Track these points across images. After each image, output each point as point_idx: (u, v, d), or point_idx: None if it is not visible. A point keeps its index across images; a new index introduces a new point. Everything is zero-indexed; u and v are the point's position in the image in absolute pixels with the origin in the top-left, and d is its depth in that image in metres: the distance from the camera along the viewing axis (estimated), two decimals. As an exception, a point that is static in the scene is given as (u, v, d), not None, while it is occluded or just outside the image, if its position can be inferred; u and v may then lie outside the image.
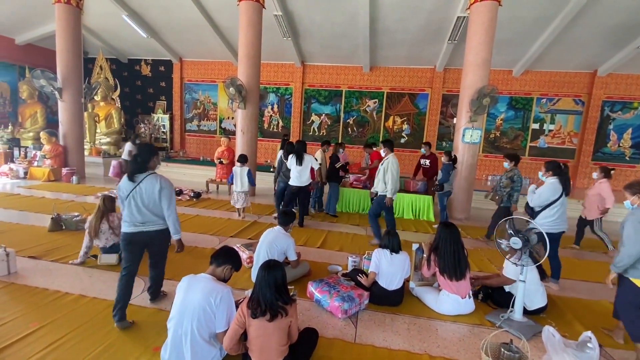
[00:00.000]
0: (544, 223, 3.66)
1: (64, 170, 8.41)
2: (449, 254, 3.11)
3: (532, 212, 4.00)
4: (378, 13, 8.65)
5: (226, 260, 2.32)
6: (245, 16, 7.32)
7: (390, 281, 3.21)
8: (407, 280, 3.45)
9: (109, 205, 3.88)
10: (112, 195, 4.09)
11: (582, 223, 5.43)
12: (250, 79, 7.52)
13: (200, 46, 11.62)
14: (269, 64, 11.92)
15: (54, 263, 3.72)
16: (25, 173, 8.52)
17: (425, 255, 3.40)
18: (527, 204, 4.04)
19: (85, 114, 9.65)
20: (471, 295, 3.20)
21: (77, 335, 2.50)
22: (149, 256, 2.89)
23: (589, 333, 2.33)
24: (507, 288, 3.29)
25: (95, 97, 10.56)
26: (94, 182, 8.64)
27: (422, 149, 7.52)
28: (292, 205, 5.83)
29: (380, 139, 11.77)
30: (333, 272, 3.86)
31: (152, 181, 2.61)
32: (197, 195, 7.27)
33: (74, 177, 8.34)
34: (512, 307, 3.02)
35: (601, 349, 2.69)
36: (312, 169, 5.54)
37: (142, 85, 13.47)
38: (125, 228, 2.67)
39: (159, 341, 2.37)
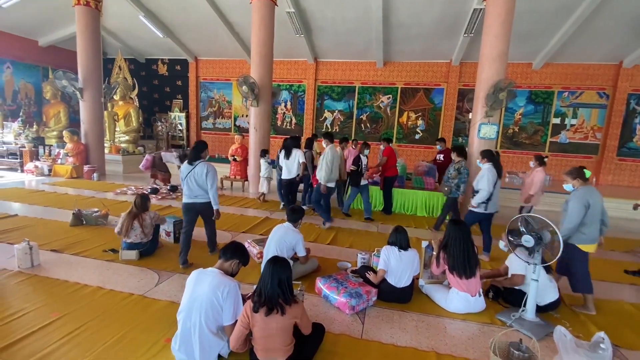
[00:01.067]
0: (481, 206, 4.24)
1: (86, 168, 8.71)
2: (458, 252, 3.06)
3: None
4: (391, 7, 8.54)
5: (234, 255, 2.37)
6: (257, 14, 7.37)
7: (399, 278, 3.19)
8: (416, 278, 3.43)
9: (139, 206, 3.94)
10: (146, 192, 4.20)
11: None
12: (263, 77, 7.57)
13: (214, 45, 11.78)
14: (282, 61, 11.96)
15: (75, 256, 3.87)
16: (50, 170, 8.87)
17: (434, 253, 3.37)
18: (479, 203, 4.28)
19: (105, 113, 9.95)
20: (481, 293, 3.15)
21: (94, 325, 2.60)
22: (203, 220, 3.89)
23: (602, 333, 2.26)
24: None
25: (115, 97, 10.83)
26: (114, 179, 8.93)
27: (438, 146, 7.43)
28: (295, 201, 6.19)
29: (395, 135, 11.68)
30: (342, 269, 3.87)
31: (202, 167, 3.60)
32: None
33: (94, 174, 8.62)
34: (524, 306, 2.95)
35: (616, 349, 2.61)
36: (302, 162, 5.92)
37: (159, 84, 13.79)
38: (184, 199, 3.74)
39: (170, 333, 2.45)
